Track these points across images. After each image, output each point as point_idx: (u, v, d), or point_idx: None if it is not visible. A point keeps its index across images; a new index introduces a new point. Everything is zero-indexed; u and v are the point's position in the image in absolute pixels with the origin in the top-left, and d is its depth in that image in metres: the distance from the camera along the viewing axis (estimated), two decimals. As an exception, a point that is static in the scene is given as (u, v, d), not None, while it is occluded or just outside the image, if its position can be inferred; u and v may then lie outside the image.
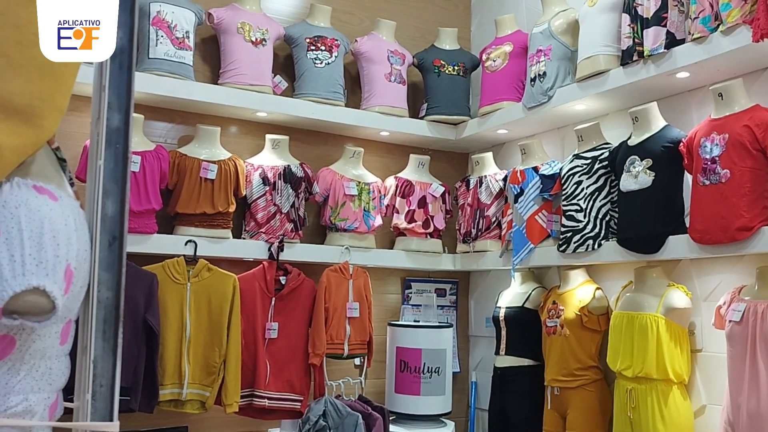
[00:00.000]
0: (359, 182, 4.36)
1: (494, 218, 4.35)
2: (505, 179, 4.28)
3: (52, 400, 1.46)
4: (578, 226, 3.69)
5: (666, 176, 3.31)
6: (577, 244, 3.68)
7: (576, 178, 3.73)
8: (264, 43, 4.18)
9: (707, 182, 3.05)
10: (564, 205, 3.80)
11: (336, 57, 4.38)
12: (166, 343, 3.69)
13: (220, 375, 3.79)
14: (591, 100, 3.82)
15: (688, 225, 3.20)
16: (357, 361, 4.41)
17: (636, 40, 3.44)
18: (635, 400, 3.28)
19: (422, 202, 4.51)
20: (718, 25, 3.06)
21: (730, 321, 2.96)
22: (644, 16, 3.39)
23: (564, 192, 3.81)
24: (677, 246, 3.22)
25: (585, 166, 3.70)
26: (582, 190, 3.69)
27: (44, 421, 1.42)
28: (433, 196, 4.55)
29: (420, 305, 4.68)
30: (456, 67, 4.67)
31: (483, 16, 5.17)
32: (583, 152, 3.78)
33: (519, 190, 4.05)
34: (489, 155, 4.57)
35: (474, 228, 4.43)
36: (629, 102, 3.67)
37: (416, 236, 4.53)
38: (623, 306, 3.48)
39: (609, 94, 3.68)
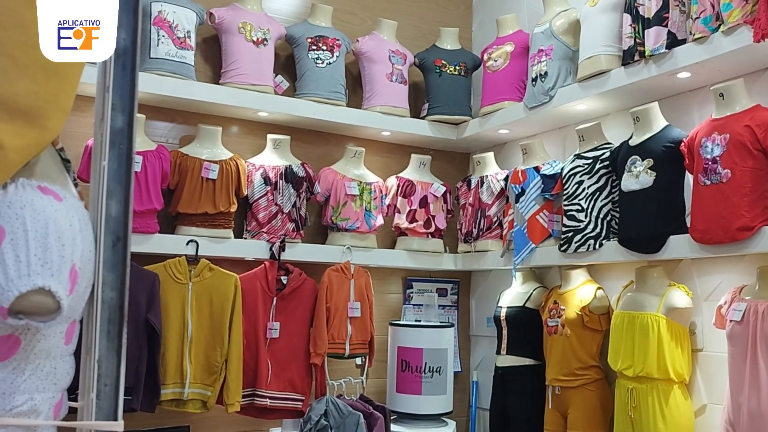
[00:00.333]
0: (360, 182, 4.37)
1: (495, 218, 4.35)
2: (506, 179, 4.29)
3: (56, 399, 1.46)
4: (579, 225, 3.69)
5: (667, 176, 3.31)
6: (578, 243, 3.68)
7: (577, 178, 3.73)
8: (265, 42, 4.19)
9: (708, 182, 3.05)
10: (565, 205, 3.80)
11: (337, 57, 4.38)
12: (168, 342, 3.70)
13: (222, 374, 3.80)
14: (592, 100, 3.83)
15: (689, 225, 3.20)
16: (358, 360, 4.42)
17: (637, 40, 3.44)
18: (636, 400, 3.29)
19: (423, 202, 4.52)
20: (720, 25, 3.07)
21: (730, 321, 2.97)
22: (645, 16, 3.40)
23: (565, 192, 3.81)
24: (678, 246, 3.23)
25: (586, 166, 3.71)
26: (583, 189, 3.70)
27: (49, 421, 1.43)
28: (434, 195, 4.55)
29: (421, 305, 4.69)
30: (457, 67, 4.67)
31: (484, 16, 5.18)
32: (584, 152, 3.78)
33: (520, 190, 4.05)
34: (490, 155, 4.58)
35: (475, 228, 4.43)
36: (630, 102, 3.67)
37: (417, 236, 4.53)
38: (624, 306, 3.49)
39: (610, 94, 3.69)
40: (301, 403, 4.02)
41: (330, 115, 4.35)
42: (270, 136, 4.27)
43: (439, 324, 4.53)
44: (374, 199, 4.39)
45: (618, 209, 3.58)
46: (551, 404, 3.81)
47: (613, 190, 3.63)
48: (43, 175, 1.40)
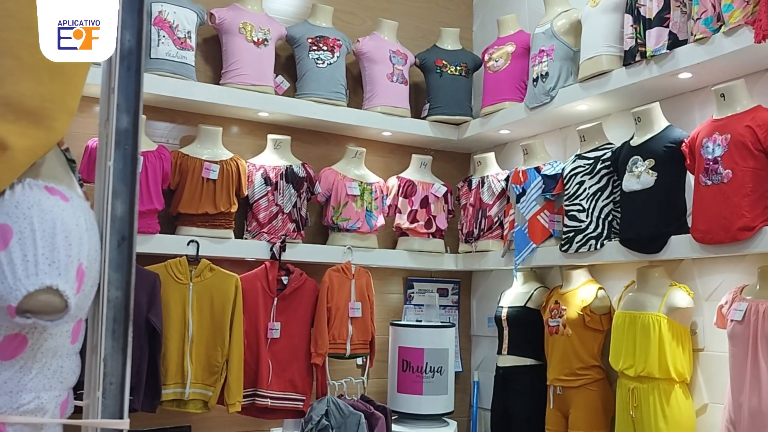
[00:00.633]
0: (361, 182, 4.37)
1: (496, 218, 4.36)
2: (507, 179, 4.29)
3: (63, 398, 1.47)
4: (580, 226, 3.69)
5: (668, 176, 3.31)
6: (579, 244, 3.69)
7: (578, 178, 3.74)
8: (266, 43, 4.19)
9: (709, 182, 3.06)
10: (566, 205, 3.81)
11: (338, 57, 4.38)
12: (169, 342, 3.70)
13: (223, 375, 3.80)
14: (593, 101, 3.83)
15: (690, 225, 3.21)
16: (359, 360, 4.42)
17: (638, 40, 3.44)
18: (637, 399, 3.29)
19: (424, 202, 4.52)
20: (721, 26, 3.07)
21: (731, 320, 2.97)
22: (647, 17, 3.40)
23: (566, 192, 3.82)
24: (679, 246, 3.23)
25: (587, 166, 3.71)
26: (584, 190, 3.70)
27: (55, 419, 1.44)
28: (435, 196, 4.55)
29: (422, 305, 4.69)
30: (458, 67, 4.67)
31: (485, 16, 5.18)
32: (585, 152, 3.78)
33: (521, 190, 4.05)
34: (491, 155, 4.58)
35: (476, 228, 4.44)
36: (632, 102, 3.67)
37: (418, 236, 4.54)
38: (625, 306, 3.49)
39: (611, 94, 3.69)
40: (302, 403, 4.02)
41: (330, 116, 4.35)
42: (270, 137, 4.27)
43: (440, 324, 4.53)
44: (375, 199, 4.39)
45: (619, 209, 3.59)
46: (552, 404, 3.81)
47: (615, 191, 3.63)
48: (50, 176, 1.41)
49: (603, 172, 3.66)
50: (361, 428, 3.82)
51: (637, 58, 3.45)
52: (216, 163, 3.96)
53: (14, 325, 1.35)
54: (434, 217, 4.54)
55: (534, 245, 3.98)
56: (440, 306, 4.81)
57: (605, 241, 3.61)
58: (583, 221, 3.69)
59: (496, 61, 4.46)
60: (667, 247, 3.28)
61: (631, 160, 3.43)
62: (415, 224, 4.50)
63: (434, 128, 4.69)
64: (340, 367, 4.33)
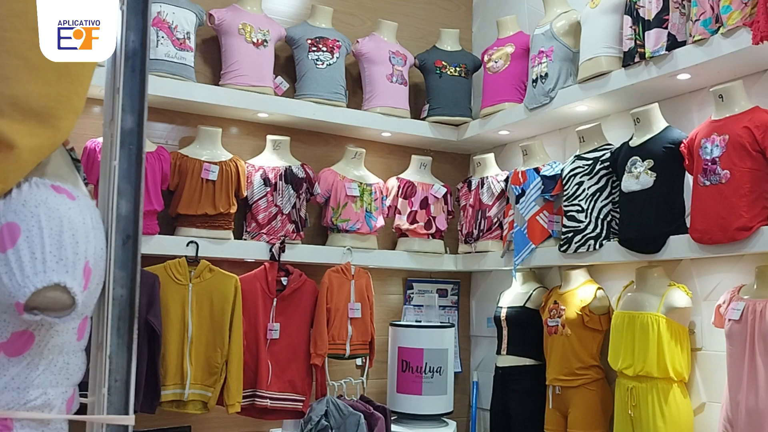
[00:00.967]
0: (361, 183, 4.38)
1: (496, 219, 4.37)
2: (506, 180, 4.30)
3: (69, 394, 1.49)
4: (579, 226, 3.71)
5: (667, 177, 3.33)
6: (578, 244, 3.70)
7: (577, 179, 3.75)
8: (265, 44, 4.20)
9: (708, 183, 3.08)
10: (565, 206, 3.82)
11: (337, 58, 4.39)
12: (168, 343, 3.70)
13: (222, 375, 3.80)
14: (592, 101, 3.85)
15: (688, 225, 3.22)
16: (359, 361, 4.43)
17: (637, 41, 3.46)
18: (636, 399, 3.31)
19: (424, 203, 4.53)
20: (719, 27, 3.09)
21: (729, 320, 2.99)
22: (645, 18, 3.42)
23: (565, 192, 3.83)
24: (678, 246, 3.25)
25: (586, 167, 3.72)
26: (583, 190, 3.71)
27: (62, 415, 1.45)
28: (434, 197, 4.57)
29: (422, 305, 4.71)
30: (457, 68, 4.69)
31: (484, 18, 5.20)
32: (584, 153, 3.80)
33: (520, 191, 4.07)
34: (490, 156, 4.59)
35: (476, 229, 4.45)
36: (631, 103, 3.69)
37: (418, 237, 4.55)
38: (624, 305, 3.51)
39: (610, 95, 3.71)
40: (301, 404, 4.03)
41: (330, 116, 4.36)
42: (270, 137, 4.28)
43: (439, 324, 4.54)
44: (375, 200, 4.40)
45: (618, 210, 3.60)
46: (552, 404, 3.82)
47: (614, 191, 3.65)
48: (55, 175, 1.42)
49: (602, 172, 3.67)
50: (360, 428, 3.83)
51: (636, 59, 3.47)
52: (215, 164, 3.97)
53: (22, 322, 1.37)
54: (434, 217, 4.55)
55: (533, 246, 3.99)
56: (440, 306, 4.82)
57: (604, 242, 3.62)
58: (582, 221, 3.70)
59: (496, 62, 4.48)
60: (665, 247, 3.30)
61: (630, 160, 3.44)
62: (415, 225, 4.51)
63: (434, 129, 4.70)
64: (340, 368, 4.34)
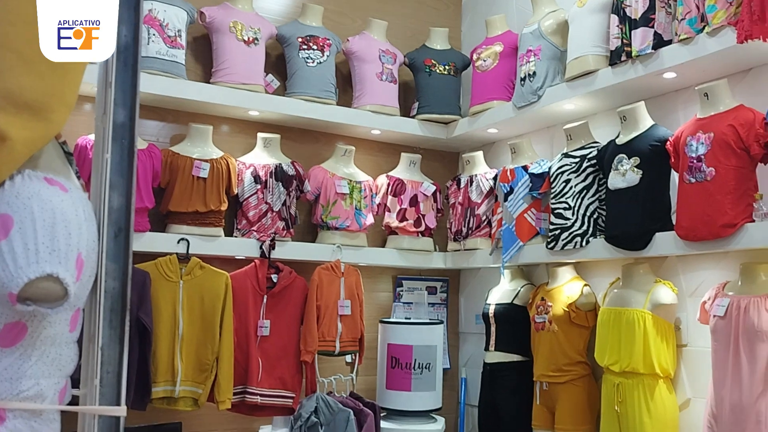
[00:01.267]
0: (351, 180, 4.40)
1: (484, 217, 4.40)
2: (495, 178, 4.33)
3: (61, 385, 1.50)
4: (566, 223, 3.74)
5: (653, 174, 3.36)
6: (565, 241, 3.73)
7: (564, 177, 3.78)
8: (256, 42, 4.22)
9: (693, 180, 3.11)
10: (553, 203, 3.85)
11: (328, 56, 4.41)
12: (159, 340, 3.71)
13: (213, 372, 3.82)
14: (580, 100, 3.88)
15: (674, 222, 3.25)
16: (348, 358, 4.45)
17: (624, 40, 3.49)
18: (622, 395, 3.33)
19: (414, 201, 4.56)
20: (704, 26, 3.12)
21: (714, 316, 3.01)
22: (632, 17, 3.45)
23: (553, 190, 3.86)
24: (664, 243, 3.27)
25: (573, 165, 3.75)
26: (570, 188, 3.74)
27: (54, 405, 1.46)
28: (424, 194, 4.59)
29: (411, 303, 4.73)
30: (447, 67, 4.72)
31: (473, 17, 5.23)
32: (571, 151, 3.83)
33: (509, 189, 4.09)
34: (479, 154, 4.62)
35: (465, 226, 4.48)
36: (617, 101, 3.72)
37: (408, 235, 4.58)
38: (611, 302, 3.54)
39: (597, 93, 3.74)
40: (291, 401, 4.05)
41: (320, 114, 4.38)
42: (260, 135, 4.30)
43: (428, 321, 4.57)
44: (364, 197, 4.43)
45: (605, 207, 3.63)
46: (539, 400, 3.85)
47: (600, 189, 3.68)
48: (48, 167, 1.44)
49: (589, 170, 3.70)
50: (350, 425, 3.85)
51: (623, 58, 3.50)
52: (206, 161, 3.98)
53: (14, 313, 1.38)
54: (423, 215, 4.58)
55: (521, 243, 4.02)
56: (429, 304, 4.85)
57: (591, 239, 3.65)
58: (569, 219, 3.73)
59: (485, 61, 4.51)
60: (651, 244, 3.32)
61: (617, 158, 3.47)
62: (405, 223, 4.53)
63: (423, 127, 4.73)
64: (330, 365, 4.36)
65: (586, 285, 3.81)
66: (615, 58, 3.55)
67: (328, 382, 4.10)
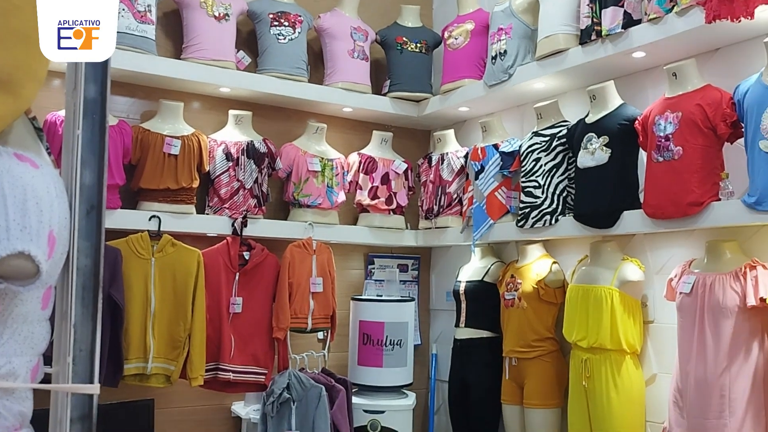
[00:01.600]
0: (322, 158, 4.40)
1: (455, 195, 4.42)
2: (466, 156, 4.35)
3: (33, 363, 1.49)
4: (536, 202, 3.77)
5: (622, 153, 3.39)
6: (535, 219, 3.76)
7: (534, 155, 3.81)
8: (227, 18, 4.18)
9: (661, 159, 3.14)
10: (523, 182, 3.88)
11: (299, 33, 4.39)
12: (131, 318, 3.70)
13: (185, 349, 3.82)
14: (550, 79, 3.90)
15: (642, 200, 3.30)
16: (320, 334, 4.47)
17: (594, 19, 3.51)
18: (590, 370, 3.39)
19: (385, 179, 4.57)
20: (673, 6, 3.15)
21: (680, 293, 3.07)
22: (602, -4, 3.47)
23: (523, 169, 3.89)
24: (632, 221, 3.32)
25: (543, 144, 3.78)
26: (540, 166, 3.77)
27: (27, 384, 1.45)
28: (395, 172, 4.60)
29: (383, 280, 4.75)
30: (418, 45, 4.71)
31: (445, -5, 5.22)
32: (541, 129, 3.85)
33: (480, 167, 4.12)
34: (450, 132, 4.64)
35: (436, 204, 4.50)
36: (587, 80, 3.75)
37: (379, 212, 4.59)
38: (579, 279, 3.58)
39: (568, 72, 3.77)
40: (263, 377, 4.06)
41: (292, 91, 4.36)
42: (232, 112, 4.27)
43: (399, 299, 4.60)
44: (336, 175, 4.43)
45: (574, 185, 3.67)
46: (508, 375, 3.90)
47: (570, 167, 3.71)
48: (18, 143, 1.42)
49: (558, 149, 3.73)
50: (321, 401, 3.87)
51: (593, 37, 3.52)
52: (177, 138, 3.96)
53: None
54: (395, 193, 4.59)
55: (491, 221, 4.05)
56: (400, 281, 4.87)
57: (560, 217, 3.69)
58: (538, 197, 3.76)
59: (456, 39, 4.51)
60: (619, 222, 3.37)
61: (586, 137, 3.50)
62: (376, 201, 4.54)
63: (395, 105, 4.73)
64: (302, 341, 4.37)
65: (554, 262, 3.86)
66: (585, 37, 3.57)
67: (300, 358, 4.11)
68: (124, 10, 3.80)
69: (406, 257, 5.05)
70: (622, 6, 3.39)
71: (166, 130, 3.98)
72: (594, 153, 3.45)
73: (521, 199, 3.89)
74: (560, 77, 3.86)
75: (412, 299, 4.70)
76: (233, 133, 4.22)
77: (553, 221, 3.70)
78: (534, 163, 3.80)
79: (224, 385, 4.03)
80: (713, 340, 2.90)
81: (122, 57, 3.76)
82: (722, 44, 3.25)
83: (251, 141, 4.19)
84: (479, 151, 4.16)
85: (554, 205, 3.71)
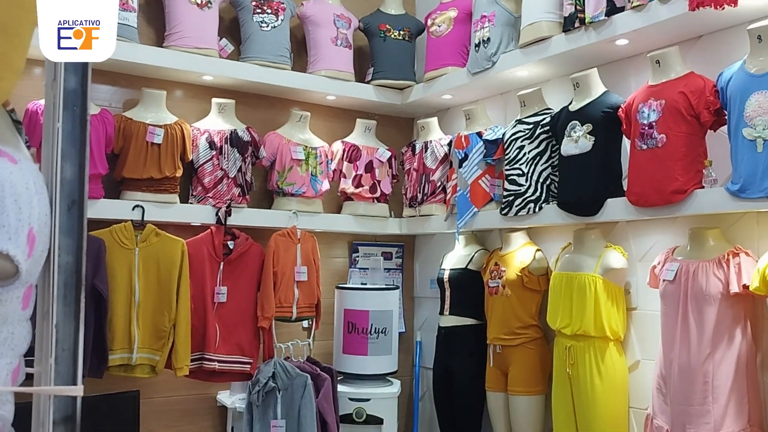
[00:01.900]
0: (306, 147, 4.38)
1: (439, 183, 4.42)
2: (449, 144, 4.35)
3: (14, 365, 1.45)
4: (520, 189, 3.77)
5: (605, 141, 3.39)
6: (518, 207, 3.77)
7: (518, 143, 3.81)
8: (209, 5, 4.14)
9: (644, 147, 3.15)
10: (506, 170, 3.88)
11: (282, 20, 4.36)
12: (115, 308, 3.68)
13: (170, 339, 3.80)
14: (533, 66, 3.90)
15: (625, 188, 3.30)
16: (305, 323, 4.46)
17: (578, 7, 3.51)
18: (574, 357, 3.40)
19: (369, 167, 4.56)
20: (657, -7, 3.16)
21: (663, 280, 3.09)
22: (586, -17, 3.47)
23: (507, 157, 3.88)
24: (615, 208, 3.33)
25: (527, 131, 3.78)
26: (524, 154, 3.77)
27: (7, 386, 1.42)
28: (379, 160, 4.59)
29: (367, 268, 4.75)
30: (401, 32, 4.70)
31: (428, -18, 5.19)
32: (525, 117, 3.85)
33: (463, 155, 4.11)
34: (434, 120, 4.63)
35: (420, 192, 4.49)
36: (571, 68, 3.75)
37: (363, 201, 4.58)
38: (562, 267, 3.60)
39: (551, 60, 3.76)
40: (249, 366, 4.05)
41: (275, 79, 4.34)
42: (215, 100, 4.24)
43: (384, 287, 4.60)
44: (320, 163, 4.41)
45: (557, 173, 3.67)
46: (492, 362, 3.92)
47: (553, 155, 3.71)
48: None
49: (542, 136, 3.73)
50: (307, 389, 3.88)
51: (576, 25, 3.52)
52: (160, 127, 3.93)
53: None
54: (379, 181, 4.59)
55: (475, 209, 4.05)
56: (384, 269, 4.87)
57: (543, 205, 3.69)
58: (522, 185, 3.76)
59: (439, 26, 4.49)
60: (603, 210, 3.37)
61: (570, 125, 3.50)
62: (360, 189, 4.53)
63: (378, 92, 4.72)
64: (287, 330, 4.37)
65: (538, 250, 3.87)
66: (568, 24, 3.57)
67: (286, 347, 4.11)
68: (104, -3, 3.75)
69: (391, 245, 5.05)
70: (606, -7, 3.39)
71: (149, 119, 3.95)
72: (578, 141, 3.45)
73: (505, 186, 3.89)
74: (544, 65, 3.86)
75: (397, 287, 4.71)
76: (216, 122, 4.19)
77: (536, 209, 3.70)
78: (518, 151, 3.80)
79: (209, 374, 4.02)
80: (696, 327, 2.92)
81: (103, 45, 3.71)
82: (705, 32, 3.26)
83: (234, 129, 4.16)
84: (463, 139, 4.16)
85: (538, 193, 3.71)
